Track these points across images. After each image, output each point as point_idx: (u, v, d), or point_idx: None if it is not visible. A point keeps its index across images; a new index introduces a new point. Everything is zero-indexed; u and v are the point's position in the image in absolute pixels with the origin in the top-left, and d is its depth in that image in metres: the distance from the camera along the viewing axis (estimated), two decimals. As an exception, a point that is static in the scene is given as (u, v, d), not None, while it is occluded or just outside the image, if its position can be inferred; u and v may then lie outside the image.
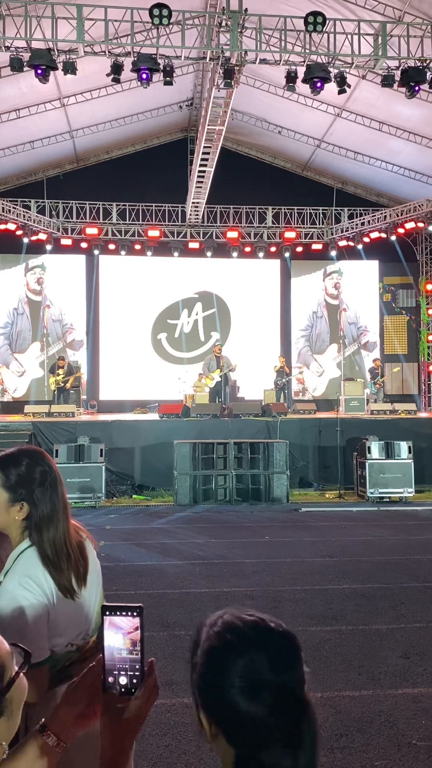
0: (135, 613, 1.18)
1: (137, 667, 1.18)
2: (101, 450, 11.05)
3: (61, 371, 14.88)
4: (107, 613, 1.18)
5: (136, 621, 1.18)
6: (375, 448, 11.31)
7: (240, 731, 1.01)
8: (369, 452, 11.28)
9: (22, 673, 1.10)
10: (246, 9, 9.73)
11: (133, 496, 11.75)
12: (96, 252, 17.02)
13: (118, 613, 1.18)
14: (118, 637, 1.18)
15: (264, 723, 0.99)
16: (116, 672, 1.18)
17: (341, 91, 10.86)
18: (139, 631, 1.18)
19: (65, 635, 1.89)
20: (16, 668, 1.09)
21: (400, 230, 16.42)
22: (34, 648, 1.70)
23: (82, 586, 1.93)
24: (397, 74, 10.53)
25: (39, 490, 1.89)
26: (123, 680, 1.18)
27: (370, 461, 11.23)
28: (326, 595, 6.11)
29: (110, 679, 1.18)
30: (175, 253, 17.13)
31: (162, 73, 10.34)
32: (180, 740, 3.52)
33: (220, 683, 1.02)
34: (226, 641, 1.04)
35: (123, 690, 1.18)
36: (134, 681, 1.18)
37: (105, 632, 1.18)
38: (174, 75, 10.62)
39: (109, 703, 1.17)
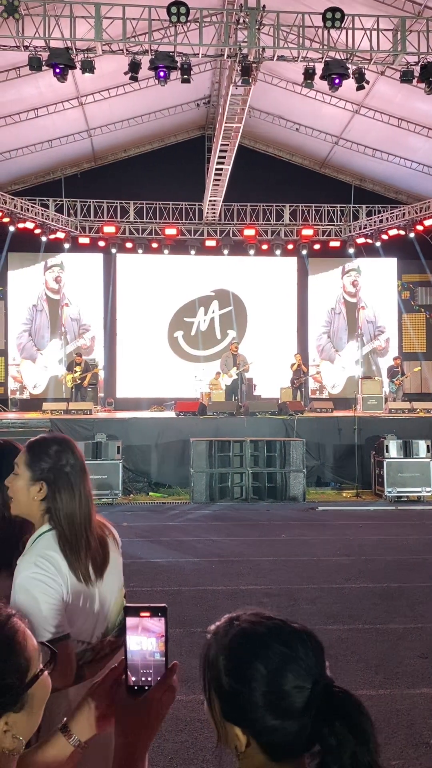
0: (159, 614, 1.16)
1: (161, 668, 1.15)
2: (118, 447, 11.10)
3: (78, 368, 14.96)
4: (130, 613, 1.16)
5: (161, 621, 1.16)
6: (393, 447, 11.23)
7: (279, 736, 0.98)
8: (387, 451, 11.21)
9: (46, 672, 1.09)
10: (264, 5, 9.69)
11: (150, 493, 11.79)
12: (113, 250, 17.08)
13: (141, 614, 1.16)
14: (142, 638, 1.15)
15: (331, 726, 0.97)
16: (140, 673, 1.15)
17: (360, 88, 10.78)
18: (163, 632, 1.15)
19: (76, 626, 1.88)
20: (41, 666, 1.08)
21: (419, 227, 16.28)
22: (49, 625, 1.76)
23: (98, 578, 1.93)
24: (417, 70, 10.43)
25: (60, 474, 1.91)
26: (147, 680, 1.15)
27: (387, 460, 11.16)
28: (343, 594, 6.08)
29: (133, 679, 1.16)
30: (192, 251, 17.13)
31: (179, 71, 10.33)
32: (197, 737, 3.53)
33: (251, 697, 0.99)
34: (252, 650, 1.01)
35: (147, 689, 1.15)
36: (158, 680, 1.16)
37: (128, 633, 1.15)
38: (191, 73, 10.60)
39: (123, 703, 1.15)
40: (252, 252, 17.19)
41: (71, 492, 1.91)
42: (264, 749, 1.00)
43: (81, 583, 1.87)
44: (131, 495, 11.59)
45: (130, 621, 1.16)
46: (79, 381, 14.85)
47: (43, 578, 1.81)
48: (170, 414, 13.76)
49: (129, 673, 1.15)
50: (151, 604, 1.17)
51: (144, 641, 1.15)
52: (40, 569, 1.82)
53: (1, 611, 1.09)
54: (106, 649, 1.94)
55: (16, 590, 1.80)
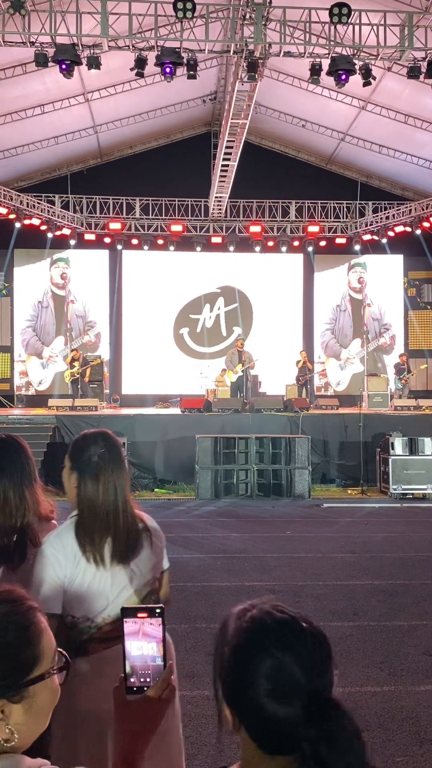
0: (157, 614, 1.17)
1: (160, 669, 1.17)
2: (124, 443, 11.12)
3: (76, 363, 14.98)
4: (128, 615, 1.17)
5: (158, 622, 1.17)
6: (398, 444, 11.21)
7: (266, 730, 0.99)
8: (392, 448, 11.18)
9: (56, 677, 1.09)
10: (270, 1, 9.65)
11: (155, 489, 11.81)
12: (119, 247, 17.08)
13: (138, 615, 1.17)
14: (142, 641, 1.16)
15: (305, 733, 0.96)
16: (139, 674, 1.17)
17: (366, 84, 10.74)
18: (161, 634, 1.16)
19: (82, 605, 1.98)
20: (52, 669, 1.08)
21: (425, 224, 16.22)
22: (41, 598, 1.91)
23: (117, 563, 2.04)
24: (424, 65, 10.38)
25: (88, 464, 2.08)
26: (146, 681, 1.17)
27: (393, 457, 11.14)
28: (348, 591, 6.08)
29: (132, 680, 1.17)
30: (198, 248, 17.12)
31: (186, 67, 10.33)
32: (201, 732, 3.54)
33: (247, 684, 1.00)
34: (256, 641, 1.01)
35: (143, 690, 1.17)
36: (156, 681, 1.17)
37: (126, 636, 1.16)
38: (198, 69, 10.60)
39: (124, 703, 1.16)
40: (258, 249, 17.17)
41: (95, 480, 2.05)
42: (253, 739, 1.01)
43: (91, 565, 2.00)
44: (137, 491, 11.60)
45: (129, 624, 1.17)
46: (78, 375, 14.86)
47: (49, 555, 2.00)
48: (176, 411, 13.77)
49: (128, 675, 1.17)
50: (149, 605, 1.19)
51: (144, 646, 1.16)
52: (50, 546, 2.01)
53: (24, 602, 1.10)
54: (112, 631, 1.99)
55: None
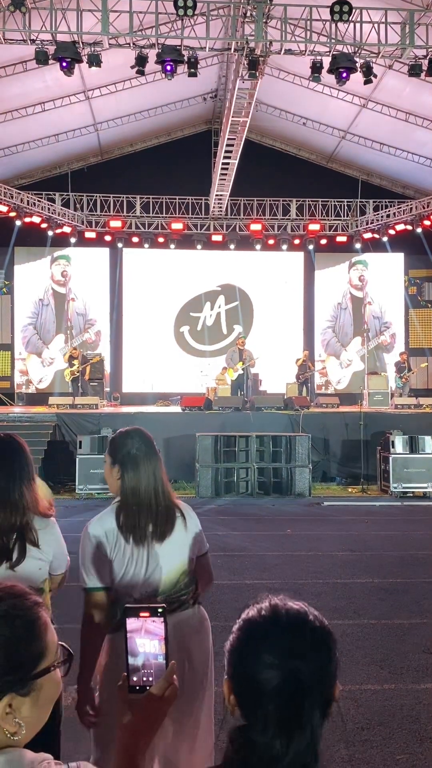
0: (159, 613, 1.18)
1: (162, 668, 1.18)
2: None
3: (75, 362, 14.97)
4: (130, 614, 1.18)
5: (161, 622, 1.17)
6: (399, 443, 11.20)
7: (247, 705, 1.04)
8: (393, 446, 11.18)
9: (58, 670, 1.11)
10: (271, -1, 9.65)
11: (156, 488, 11.79)
12: (120, 245, 17.07)
13: (141, 614, 1.18)
14: (144, 640, 1.17)
15: (265, 703, 1.01)
16: (141, 673, 1.17)
17: (367, 81, 10.72)
18: (163, 633, 1.17)
19: (124, 582, 2.23)
20: (57, 662, 1.10)
21: (426, 222, 16.21)
22: (90, 574, 2.25)
23: (154, 541, 2.28)
24: (425, 63, 10.37)
25: (127, 457, 2.33)
26: (148, 680, 1.18)
27: (393, 456, 11.14)
28: (348, 589, 6.08)
29: (134, 679, 1.18)
30: (199, 246, 17.11)
31: (186, 65, 10.31)
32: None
33: (241, 655, 1.06)
34: (260, 619, 1.08)
35: (146, 689, 1.18)
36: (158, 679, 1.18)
37: (129, 635, 1.17)
38: (198, 66, 10.58)
39: (127, 702, 1.17)
40: (258, 247, 17.15)
41: (136, 470, 2.31)
42: (244, 719, 1.06)
43: (130, 544, 2.25)
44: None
45: (131, 622, 1.17)
46: (78, 374, 14.85)
47: (91, 534, 2.27)
48: (176, 409, 13.77)
49: (130, 673, 1.17)
50: (151, 605, 1.19)
51: (146, 643, 1.17)
52: (92, 528, 2.28)
53: (29, 597, 1.12)
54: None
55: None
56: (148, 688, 1.17)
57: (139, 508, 2.28)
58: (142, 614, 1.18)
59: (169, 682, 1.18)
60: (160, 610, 1.18)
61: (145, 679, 1.17)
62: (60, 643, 1.13)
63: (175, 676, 1.20)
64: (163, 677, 1.18)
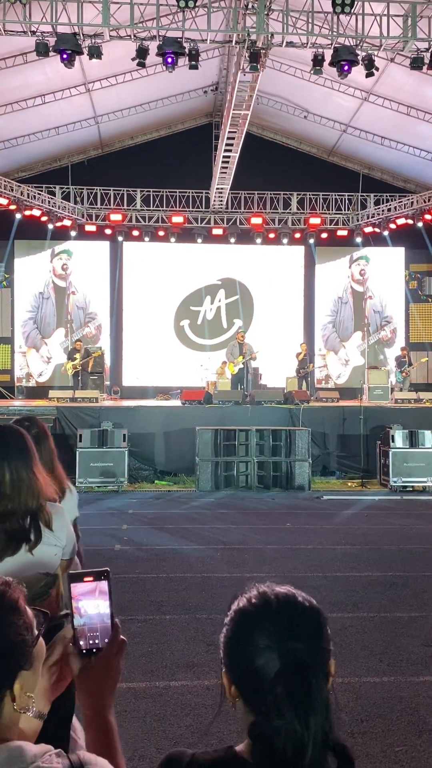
0: (102, 577, 1.21)
1: (108, 629, 1.21)
2: (124, 435, 11.13)
3: (77, 355, 14.96)
4: (75, 579, 1.21)
5: (104, 585, 1.21)
6: (399, 437, 11.22)
7: (253, 694, 1.06)
8: (393, 441, 11.19)
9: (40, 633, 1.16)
10: (273, -9, 9.59)
11: (156, 481, 11.82)
12: (120, 238, 17.03)
13: (85, 579, 1.21)
14: (89, 603, 1.20)
15: (272, 687, 1.03)
16: (88, 637, 1.21)
17: (369, 74, 10.66)
18: (108, 595, 1.21)
19: None
20: (39, 629, 1.15)
21: (427, 216, 16.16)
22: None
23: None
24: (427, 56, 10.30)
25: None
26: (95, 642, 1.21)
27: (393, 450, 11.15)
28: (348, 583, 6.10)
29: (82, 643, 1.21)
30: (199, 240, 17.07)
31: (187, 57, 10.25)
32: (201, 721, 3.56)
33: (237, 644, 1.08)
34: (251, 606, 1.11)
35: (95, 651, 1.21)
36: (105, 641, 1.21)
37: (75, 600, 1.20)
38: (199, 59, 10.52)
39: (83, 666, 1.21)
40: (259, 241, 17.11)
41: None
42: (248, 708, 1.08)
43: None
44: (137, 483, 11.63)
45: (77, 587, 1.20)
46: (80, 368, 14.84)
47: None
48: (176, 403, 13.77)
49: (78, 638, 1.21)
50: (94, 569, 1.23)
51: (92, 606, 1.21)
52: None
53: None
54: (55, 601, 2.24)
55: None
56: (94, 651, 1.21)
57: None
58: (86, 579, 1.21)
59: (118, 641, 1.23)
60: (103, 575, 1.21)
61: (92, 642, 1.21)
62: (33, 607, 1.16)
63: (119, 630, 1.24)
64: (113, 637, 1.22)
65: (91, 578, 1.21)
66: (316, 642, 1.08)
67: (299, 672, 1.04)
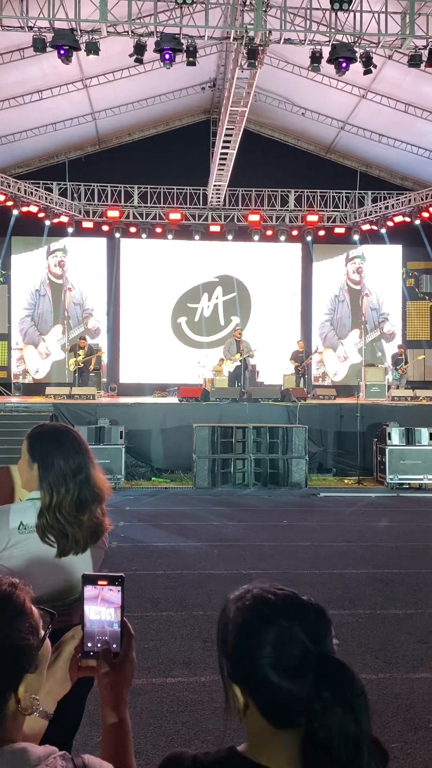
0: (117, 583, 1.21)
1: (117, 635, 1.22)
2: (121, 432, 11.13)
3: (81, 352, 14.94)
4: (88, 582, 1.21)
5: (118, 590, 1.21)
6: (395, 434, 11.24)
7: (276, 701, 1.03)
8: (389, 438, 11.21)
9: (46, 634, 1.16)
10: (271, -13, 9.57)
11: (153, 478, 11.83)
12: (117, 235, 17.01)
13: (99, 582, 1.21)
14: (101, 608, 1.21)
15: (318, 693, 1.01)
16: (95, 640, 1.22)
17: (367, 72, 10.67)
18: (120, 602, 1.21)
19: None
20: (45, 630, 1.14)
21: (425, 214, 16.18)
22: None
23: (76, 551, 2.12)
24: (425, 54, 10.31)
25: (50, 457, 2.18)
26: (99, 647, 1.22)
27: (390, 447, 11.17)
28: (344, 580, 6.12)
29: (89, 645, 1.22)
30: (196, 237, 17.05)
31: (185, 54, 10.24)
32: (197, 717, 3.57)
33: (255, 656, 1.04)
34: (261, 614, 1.07)
35: (104, 653, 1.22)
36: (114, 645, 1.22)
37: (86, 602, 1.21)
38: (197, 55, 10.51)
39: (109, 664, 1.22)
40: (256, 238, 17.10)
41: (58, 471, 2.21)
42: (263, 713, 1.05)
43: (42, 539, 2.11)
44: (134, 480, 11.63)
45: (89, 590, 1.21)
46: (82, 365, 14.82)
47: None
48: (173, 400, 13.77)
49: (85, 638, 1.22)
50: (109, 573, 1.23)
51: (102, 611, 1.21)
52: None
53: (2, 581, 1.14)
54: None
55: None
56: (91, 654, 1.22)
57: (50, 510, 2.21)
58: (100, 582, 1.21)
59: (132, 645, 1.24)
60: (117, 581, 1.21)
61: (98, 645, 1.22)
62: (39, 607, 1.16)
63: (129, 629, 1.24)
64: (126, 640, 1.22)
65: (105, 582, 1.21)
66: (332, 640, 1.08)
67: (341, 672, 1.02)
